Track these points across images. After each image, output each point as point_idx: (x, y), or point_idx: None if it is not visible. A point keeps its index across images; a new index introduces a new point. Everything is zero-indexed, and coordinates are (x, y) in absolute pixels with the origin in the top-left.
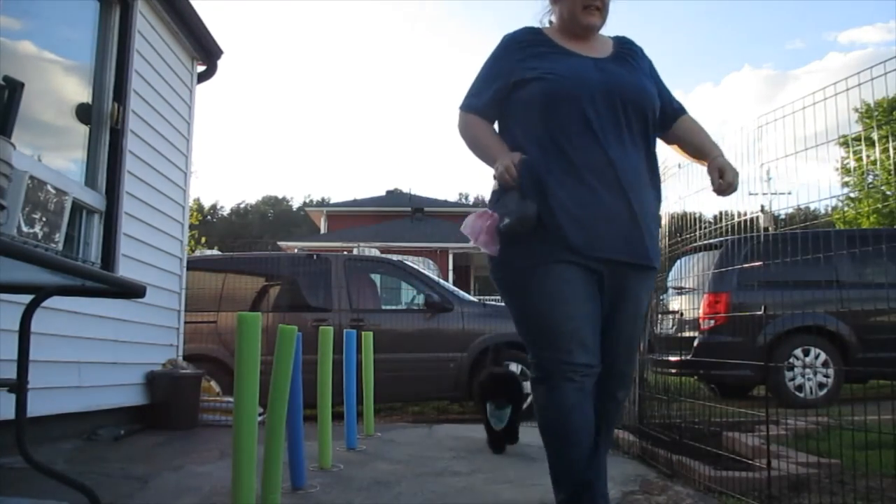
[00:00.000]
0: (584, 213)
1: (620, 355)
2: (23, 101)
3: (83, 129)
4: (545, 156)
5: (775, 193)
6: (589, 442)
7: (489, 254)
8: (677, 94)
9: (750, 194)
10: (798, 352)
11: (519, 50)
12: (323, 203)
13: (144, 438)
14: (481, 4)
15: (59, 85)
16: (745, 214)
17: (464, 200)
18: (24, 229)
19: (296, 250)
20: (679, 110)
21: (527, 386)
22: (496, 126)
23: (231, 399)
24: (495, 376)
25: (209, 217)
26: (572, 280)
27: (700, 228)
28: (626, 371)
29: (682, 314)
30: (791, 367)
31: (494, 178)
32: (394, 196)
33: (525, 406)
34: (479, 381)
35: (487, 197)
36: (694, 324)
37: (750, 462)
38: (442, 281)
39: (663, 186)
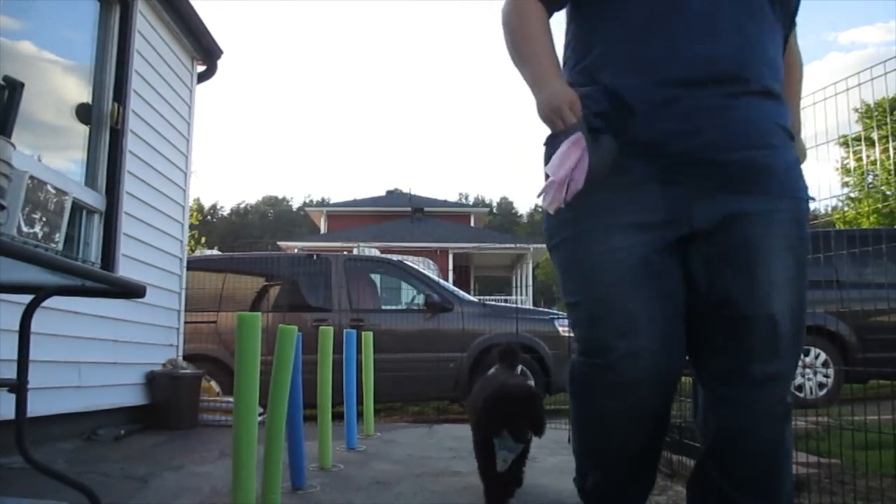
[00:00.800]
0: (686, 129)
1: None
2: (23, 101)
3: (83, 129)
4: (638, 58)
5: None
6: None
7: (560, 204)
8: None
9: None
10: None
11: None
12: (323, 203)
13: (144, 438)
14: (484, 5)
15: (59, 85)
16: None
17: (464, 200)
18: (24, 229)
19: (296, 250)
20: (794, 24)
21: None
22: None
23: (231, 399)
24: (512, 395)
25: (209, 217)
26: (633, 252)
27: None
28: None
29: None
30: None
31: (540, 117)
32: (394, 196)
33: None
34: (486, 400)
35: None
36: None
37: None
38: (442, 281)
39: None
